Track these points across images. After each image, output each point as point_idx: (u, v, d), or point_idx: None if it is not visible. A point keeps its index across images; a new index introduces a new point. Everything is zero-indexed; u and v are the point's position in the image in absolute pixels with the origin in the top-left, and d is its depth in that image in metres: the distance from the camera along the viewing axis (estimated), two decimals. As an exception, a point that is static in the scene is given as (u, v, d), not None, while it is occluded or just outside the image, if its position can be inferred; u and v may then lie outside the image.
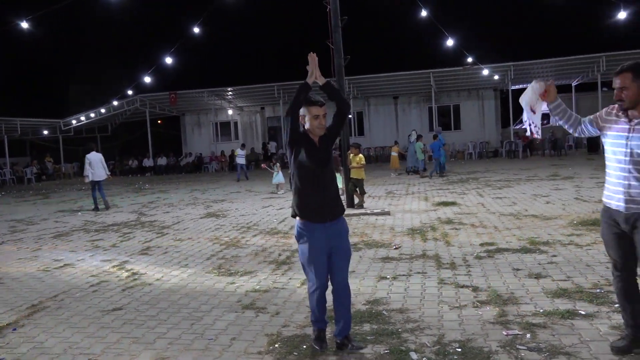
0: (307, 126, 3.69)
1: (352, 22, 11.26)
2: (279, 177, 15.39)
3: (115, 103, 30.43)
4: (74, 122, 32.01)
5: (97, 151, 13.68)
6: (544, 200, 10.52)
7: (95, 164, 13.31)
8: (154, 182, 23.23)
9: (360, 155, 10.97)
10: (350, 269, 5.89)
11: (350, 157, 10.80)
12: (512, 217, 8.71)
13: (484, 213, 9.37)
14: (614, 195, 3.31)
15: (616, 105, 3.35)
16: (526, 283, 5.05)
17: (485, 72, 25.23)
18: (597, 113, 3.51)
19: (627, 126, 3.22)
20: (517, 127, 28.87)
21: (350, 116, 27.67)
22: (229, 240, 8.20)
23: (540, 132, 3.76)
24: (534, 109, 3.68)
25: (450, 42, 20.50)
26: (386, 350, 3.68)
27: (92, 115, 31.55)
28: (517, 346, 3.61)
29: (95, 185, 13.35)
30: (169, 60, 20.37)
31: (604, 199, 3.44)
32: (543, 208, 9.48)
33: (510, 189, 12.68)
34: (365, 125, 30.82)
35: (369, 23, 39.27)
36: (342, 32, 10.97)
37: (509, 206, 9.96)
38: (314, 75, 3.70)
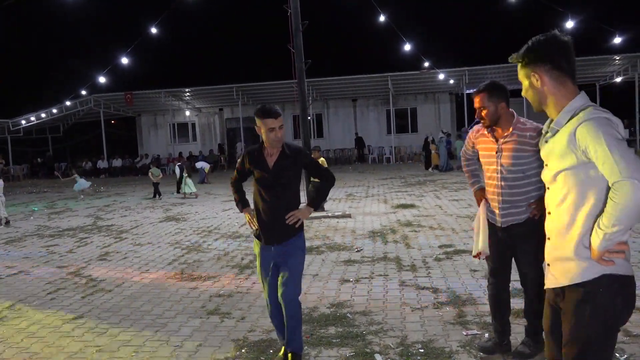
0: (263, 138, 3.53)
1: (312, 26, 11.35)
2: (81, 183, 16.60)
3: (67, 103, 29.45)
4: (23, 122, 30.80)
5: None
6: (498, 202, 10.88)
7: None
8: (110, 185, 22.66)
9: (322, 158, 11.07)
10: (313, 272, 6.01)
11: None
12: (468, 219, 8.99)
13: (442, 215, 9.63)
14: (492, 209, 3.47)
15: (479, 126, 3.57)
16: (483, 284, 5.24)
17: (441, 76, 25.81)
18: (467, 139, 3.72)
19: (495, 146, 3.39)
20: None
21: (309, 118, 27.78)
22: (190, 245, 8.13)
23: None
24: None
25: (407, 47, 20.91)
26: (351, 352, 3.77)
27: (43, 115, 30.44)
28: (476, 345, 3.76)
29: None
30: (125, 60, 19.92)
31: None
32: (497, 210, 9.80)
33: (466, 191, 13.05)
34: (325, 128, 30.99)
35: (328, 26, 39.55)
36: (302, 35, 11.06)
37: (465, 208, 10.27)
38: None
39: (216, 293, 5.46)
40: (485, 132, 3.47)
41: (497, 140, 3.38)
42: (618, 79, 26.82)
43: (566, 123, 2.04)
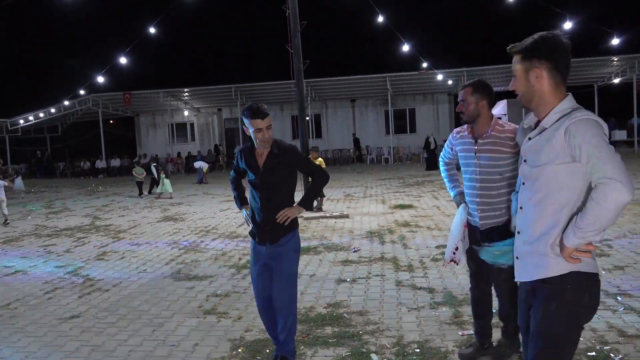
0: (252, 139, 3.47)
1: (311, 26, 11.36)
2: (17, 183, 17.95)
3: (66, 103, 29.42)
4: (21, 121, 30.79)
5: None
6: (496, 203, 10.89)
7: None
8: (108, 184, 22.64)
9: (320, 158, 11.09)
10: (310, 272, 6.02)
11: (310, 161, 10.90)
12: (466, 220, 9.00)
13: (439, 216, 9.64)
14: (471, 212, 3.43)
15: (459, 128, 3.58)
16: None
17: (440, 77, 25.84)
18: (447, 142, 3.72)
19: (474, 147, 3.37)
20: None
21: (307, 118, 27.80)
22: (187, 245, 8.14)
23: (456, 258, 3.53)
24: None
25: (406, 48, 20.93)
26: (347, 352, 3.78)
27: (42, 115, 30.41)
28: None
29: None
30: (123, 60, 19.90)
31: None
32: (495, 211, 9.82)
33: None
34: (323, 128, 31.01)
35: (327, 27, 39.61)
36: (301, 36, 11.07)
37: (463, 209, 10.27)
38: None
39: (213, 293, 5.46)
40: (466, 134, 3.47)
41: (476, 142, 3.38)
42: (616, 80, 26.85)
43: (555, 122, 2.06)
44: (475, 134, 3.40)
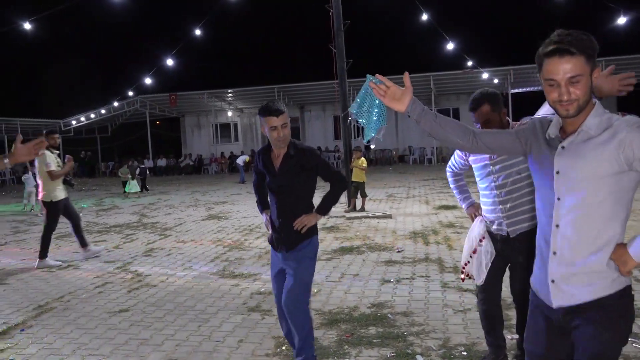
0: (268, 138, 3.35)
1: (354, 25, 11.33)
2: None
3: (115, 104, 30.47)
4: (74, 122, 32.05)
5: None
6: (544, 204, 10.57)
7: None
8: (154, 184, 23.22)
9: (362, 158, 11.03)
10: (354, 272, 5.99)
11: (354, 161, 10.87)
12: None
13: (485, 217, 9.41)
14: (495, 221, 3.27)
15: None
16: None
17: (485, 75, 25.32)
18: (456, 152, 3.56)
19: (488, 154, 3.20)
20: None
21: (350, 119, 27.72)
22: (231, 243, 8.24)
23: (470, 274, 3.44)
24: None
25: (450, 46, 20.61)
26: (392, 353, 3.73)
27: (92, 116, 31.59)
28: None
29: None
30: (169, 61, 20.40)
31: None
32: (543, 212, 9.53)
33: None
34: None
35: (370, 26, 39.47)
36: (344, 35, 11.05)
37: (510, 210, 10.01)
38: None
39: (257, 290, 5.51)
40: None
41: None
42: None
43: (604, 130, 1.86)
44: None
